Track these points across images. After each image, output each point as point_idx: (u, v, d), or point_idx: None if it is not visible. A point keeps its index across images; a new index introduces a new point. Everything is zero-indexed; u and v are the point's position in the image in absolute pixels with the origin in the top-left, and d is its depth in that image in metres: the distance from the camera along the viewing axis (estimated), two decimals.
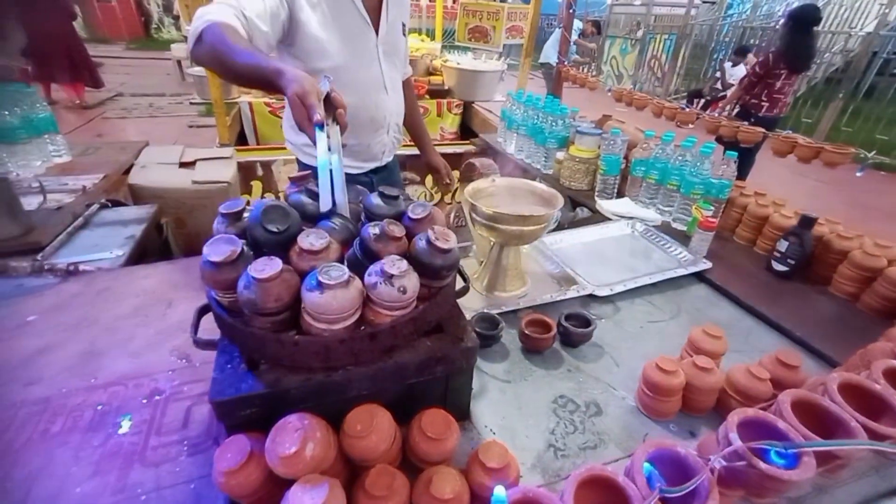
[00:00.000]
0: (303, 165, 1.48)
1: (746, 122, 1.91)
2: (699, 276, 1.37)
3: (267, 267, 0.60)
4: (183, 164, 2.10)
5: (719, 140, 2.03)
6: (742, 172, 3.61)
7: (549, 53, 6.36)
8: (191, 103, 3.70)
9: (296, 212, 0.71)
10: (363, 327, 0.66)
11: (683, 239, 1.52)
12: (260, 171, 2.50)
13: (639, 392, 0.92)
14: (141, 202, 1.90)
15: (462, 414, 0.86)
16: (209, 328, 0.71)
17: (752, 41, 7.18)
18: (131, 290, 1.14)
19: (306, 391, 0.68)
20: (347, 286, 0.61)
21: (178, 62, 7.85)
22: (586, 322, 1.06)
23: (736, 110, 3.57)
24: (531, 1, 3.16)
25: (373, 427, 0.66)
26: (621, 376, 0.99)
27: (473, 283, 1.29)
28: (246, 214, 0.78)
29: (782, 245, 1.36)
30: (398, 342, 0.68)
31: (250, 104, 3.50)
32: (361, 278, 0.66)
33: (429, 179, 2.84)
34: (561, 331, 1.05)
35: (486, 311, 1.08)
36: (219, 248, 0.64)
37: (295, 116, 0.82)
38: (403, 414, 0.75)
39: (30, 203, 1.47)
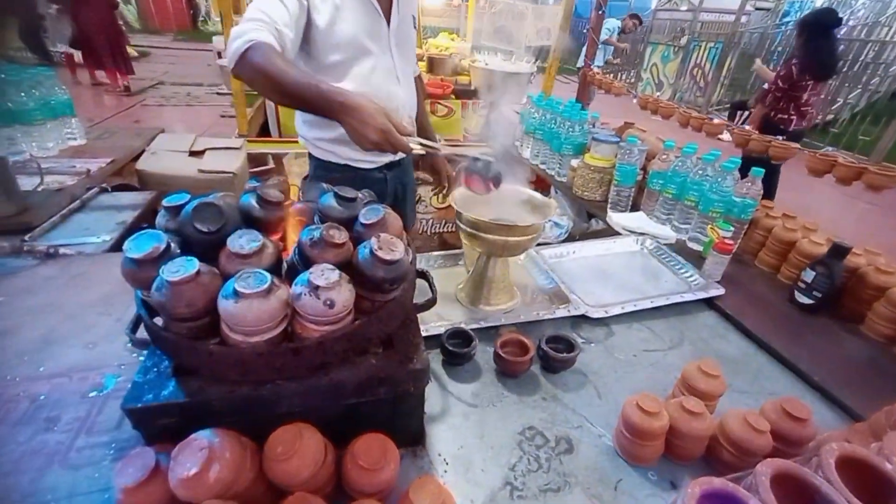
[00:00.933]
0: (315, 160, 1.45)
1: (781, 138, 1.74)
2: (710, 304, 1.26)
3: (181, 268, 0.55)
4: (193, 153, 2.12)
5: (746, 157, 1.87)
6: (769, 191, 3.36)
7: None
8: (218, 93, 3.78)
9: (235, 213, 0.66)
10: (289, 341, 0.60)
11: (698, 261, 1.40)
12: (271, 164, 2.50)
13: (617, 431, 0.83)
14: (148, 188, 1.92)
15: (413, 439, 0.79)
16: None
17: None
18: (105, 276, 1.13)
19: (231, 404, 0.63)
20: (267, 296, 0.55)
21: (218, 53, 8.09)
22: (570, 346, 0.97)
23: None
24: (562, 1, 3.05)
25: (296, 449, 0.60)
26: (602, 410, 0.90)
27: (458, 293, 1.22)
28: None
29: (808, 275, 1.22)
30: (329, 359, 0.62)
31: None
32: None
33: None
34: (540, 354, 0.96)
35: (461, 325, 1.01)
36: (141, 244, 0.59)
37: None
38: (343, 437, 0.69)
39: (32, 184, 1.50)
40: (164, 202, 0.70)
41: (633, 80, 8.46)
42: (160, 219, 0.71)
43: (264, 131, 3.51)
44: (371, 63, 1.33)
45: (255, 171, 0.79)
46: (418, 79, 1.66)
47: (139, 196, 1.64)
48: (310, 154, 1.49)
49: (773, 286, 1.36)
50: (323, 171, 1.44)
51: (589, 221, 2.21)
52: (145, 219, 1.59)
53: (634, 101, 2.40)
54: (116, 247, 1.33)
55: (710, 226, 1.40)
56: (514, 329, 1.08)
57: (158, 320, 0.62)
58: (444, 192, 1.76)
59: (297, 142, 2.80)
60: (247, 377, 0.60)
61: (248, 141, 2.46)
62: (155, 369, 0.65)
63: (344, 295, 0.58)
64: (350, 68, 1.30)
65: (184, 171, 1.96)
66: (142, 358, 0.91)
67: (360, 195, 0.77)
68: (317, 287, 0.56)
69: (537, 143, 2.29)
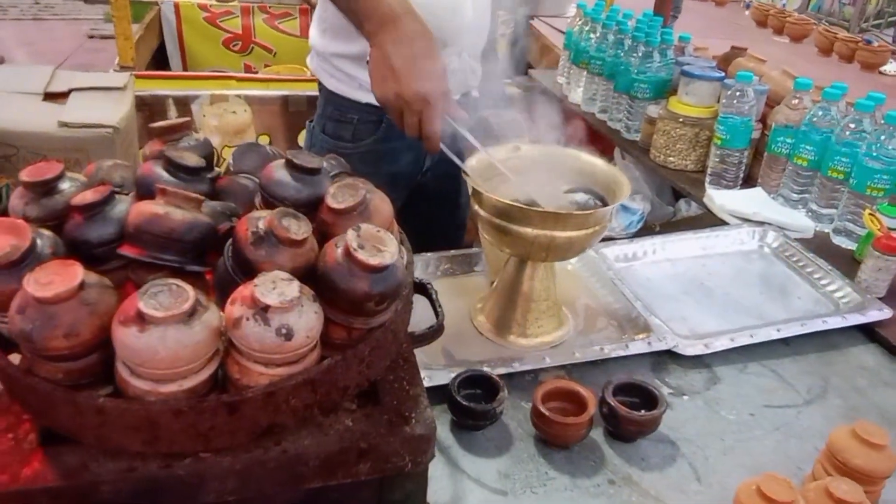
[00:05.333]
0: (326, 94, 1.48)
1: None
2: (869, 333, 1.29)
3: (57, 278, 0.56)
4: (50, 96, 2.14)
5: None
6: None
7: None
8: (87, 1, 3.81)
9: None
10: (222, 391, 0.62)
11: (849, 265, 1.45)
12: (174, 113, 2.53)
13: None
14: None
15: None
16: None
17: None
18: None
19: (131, 489, 0.65)
20: (189, 321, 0.56)
21: None
22: (651, 399, 1.00)
23: None
24: None
25: None
26: (702, 499, 0.93)
27: (476, 317, 1.25)
28: (66, 185, 0.76)
29: None
30: (282, 420, 0.64)
31: (176, 5, 3.56)
32: None
33: None
34: (604, 411, 0.99)
35: (481, 368, 1.03)
36: None
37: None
38: None
39: None
40: (24, 175, 0.72)
41: None
42: (16, 201, 0.73)
43: (160, 62, 3.54)
44: None
45: (157, 127, 0.77)
46: None
47: None
48: (320, 84, 1.52)
49: None
50: (334, 110, 1.48)
51: (676, 203, 2.24)
52: None
53: (747, 12, 2.44)
54: None
55: (867, 211, 1.44)
56: (564, 374, 1.10)
57: (17, 358, 0.64)
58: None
59: (217, 78, 2.83)
60: (156, 447, 0.61)
61: (137, 77, 2.48)
62: (10, 436, 0.67)
63: (307, 320, 0.60)
64: None
65: (37, 124, 1.98)
66: None
67: (324, 164, 0.79)
68: (265, 308, 0.57)
69: (593, 81, 2.34)
